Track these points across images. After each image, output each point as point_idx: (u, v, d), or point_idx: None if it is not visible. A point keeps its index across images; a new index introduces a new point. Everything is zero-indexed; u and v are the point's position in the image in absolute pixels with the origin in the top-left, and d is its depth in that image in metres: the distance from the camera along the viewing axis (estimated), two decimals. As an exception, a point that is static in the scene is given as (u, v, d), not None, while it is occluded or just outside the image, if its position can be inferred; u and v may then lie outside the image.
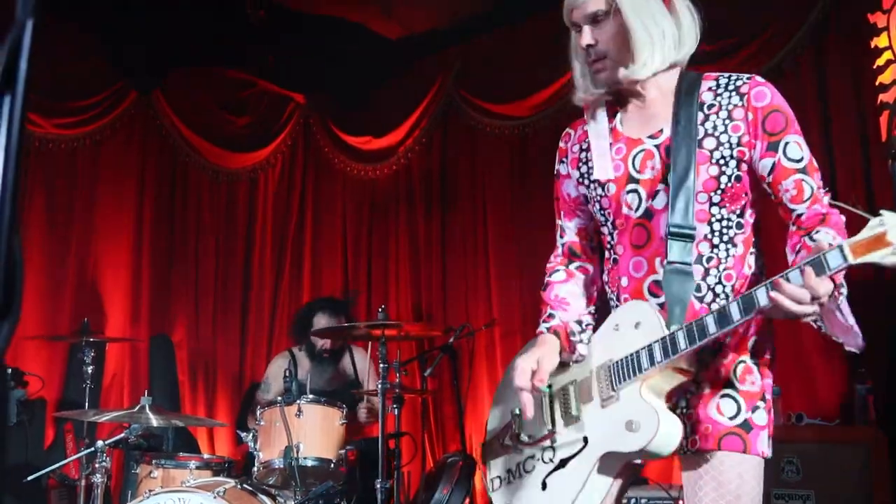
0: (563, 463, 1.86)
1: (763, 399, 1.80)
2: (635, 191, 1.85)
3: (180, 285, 5.90)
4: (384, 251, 5.93)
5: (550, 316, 2.00)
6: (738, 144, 1.78)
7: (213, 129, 6.13)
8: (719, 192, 1.78)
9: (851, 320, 1.62)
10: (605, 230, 1.95)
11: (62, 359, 5.14)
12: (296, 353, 4.67)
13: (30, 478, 3.60)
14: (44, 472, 3.73)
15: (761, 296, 1.57)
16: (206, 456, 4.58)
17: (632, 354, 1.76)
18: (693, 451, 1.79)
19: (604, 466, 1.80)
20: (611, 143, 1.91)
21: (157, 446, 4.32)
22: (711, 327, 1.63)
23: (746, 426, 1.76)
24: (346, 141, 6.23)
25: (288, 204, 6.25)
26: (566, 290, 2.03)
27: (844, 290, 1.59)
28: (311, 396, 3.69)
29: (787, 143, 1.75)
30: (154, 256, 5.87)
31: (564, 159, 2.03)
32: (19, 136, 0.86)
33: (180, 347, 5.74)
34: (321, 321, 4.54)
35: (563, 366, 1.94)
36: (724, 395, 1.78)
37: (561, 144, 2.06)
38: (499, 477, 2.03)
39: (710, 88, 1.83)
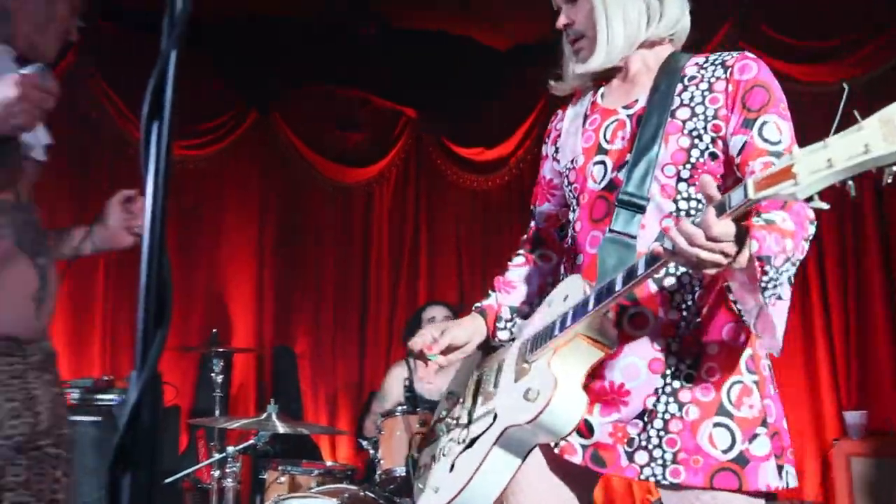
0: (472, 442, 1.71)
1: (764, 424, 1.58)
2: (602, 162, 1.71)
3: (301, 298, 6.11)
4: (499, 261, 5.92)
5: (488, 296, 1.96)
6: (714, 117, 1.60)
7: (329, 146, 6.33)
8: (688, 166, 1.61)
9: (777, 320, 1.43)
10: (571, 214, 1.80)
11: (194, 368, 5.40)
12: (411, 363, 4.73)
13: (167, 481, 3.81)
14: (179, 475, 3.94)
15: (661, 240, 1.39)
16: (329, 463, 4.72)
17: (548, 325, 1.63)
18: (673, 484, 1.57)
19: (507, 445, 1.62)
20: (586, 116, 1.80)
21: (283, 453, 4.48)
22: (618, 284, 1.46)
23: (742, 460, 1.55)
24: (458, 153, 6.31)
25: (403, 216, 6.38)
26: (516, 274, 1.98)
27: (771, 272, 1.36)
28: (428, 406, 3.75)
29: (764, 122, 1.55)
30: (276, 270, 6.10)
31: (547, 139, 1.95)
32: (167, 162, 0.93)
33: (302, 357, 5.93)
34: (433, 311, 4.50)
35: (496, 349, 1.89)
36: (717, 424, 1.56)
37: (549, 126, 1.97)
38: (424, 464, 1.92)
39: (696, 63, 1.69)
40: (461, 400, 1.91)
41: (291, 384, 5.62)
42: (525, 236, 2.05)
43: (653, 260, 1.40)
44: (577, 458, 1.66)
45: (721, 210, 1.28)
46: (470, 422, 1.78)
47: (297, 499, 3.42)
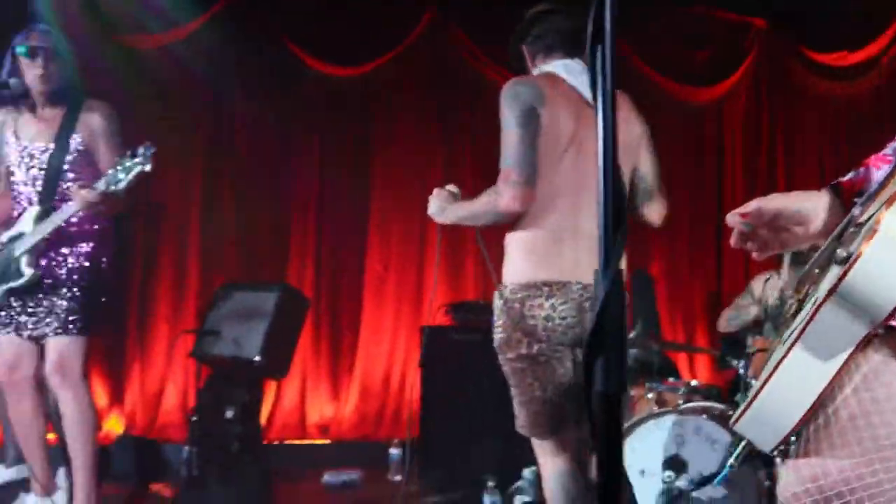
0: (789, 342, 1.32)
1: None
2: None
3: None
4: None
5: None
6: None
7: (676, 65, 6.20)
8: None
9: None
10: None
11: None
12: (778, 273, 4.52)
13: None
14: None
15: None
16: (693, 382, 4.77)
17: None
18: None
19: (815, 338, 1.23)
20: None
21: (644, 373, 4.61)
22: None
23: None
24: (816, 60, 5.86)
25: (757, 133, 6.11)
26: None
27: None
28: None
29: None
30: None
31: None
32: (612, 83, 1.04)
33: (657, 281, 5.99)
34: None
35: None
36: None
37: None
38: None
39: None
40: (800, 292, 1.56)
41: (649, 306, 5.71)
42: None
43: None
44: None
45: None
46: (795, 316, 1.43)
47: (668, 413, 3.54)
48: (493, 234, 2.63)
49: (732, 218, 1.52)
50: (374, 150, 5.94)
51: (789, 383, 1.25)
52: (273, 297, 4.48)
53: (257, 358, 4.30)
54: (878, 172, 1.51)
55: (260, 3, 5.53)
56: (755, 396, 1.28)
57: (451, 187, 2.72)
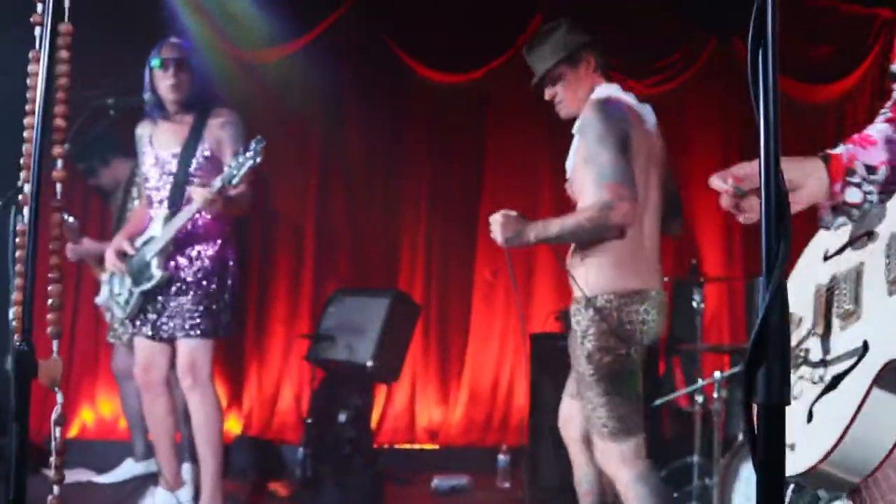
0: (834, 382, 1.30)
1: None
2: None
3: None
4: None
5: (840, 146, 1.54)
6: None
7: (795, 61, 5.97)
8: None
9: None
10: None
11: (669, 297, 5.59)
12: None
13: (657, 403, 4.04)
14: (669, 397, 4.16)
15: None
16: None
17: None
18: None
19: (891, 382, 1.20)
20: None
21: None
22: None
23: None
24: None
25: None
26: (877, 130, 1.55)
27: None
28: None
29: None
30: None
31: None
32: (774, 88, 1.00)
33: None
34: None
35: (841, 250, 1.46)
36: None
37: None
38: None
39: None
40: (803, 321, 1.52)
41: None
42: None
43: None
44: None
45: None
46: (826, 353, 1.38)
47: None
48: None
49: (720, 182, 1.49)
50: (484, 155, 5.95)
51: (868, 430, 1.23)
52: (385, 303, 4.56)
53: (370, 363, 4.37)
54: (864, 153, 1.52)
55: (368, 14, 5.64)
56: (834, 446, 1.25)
57: (509, 212, 2.80)
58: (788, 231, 0.96)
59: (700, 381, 4.06)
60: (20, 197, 1.60)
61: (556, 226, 2.72)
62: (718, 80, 6.06)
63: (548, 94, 2.98)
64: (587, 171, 2.70)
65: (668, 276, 5.38)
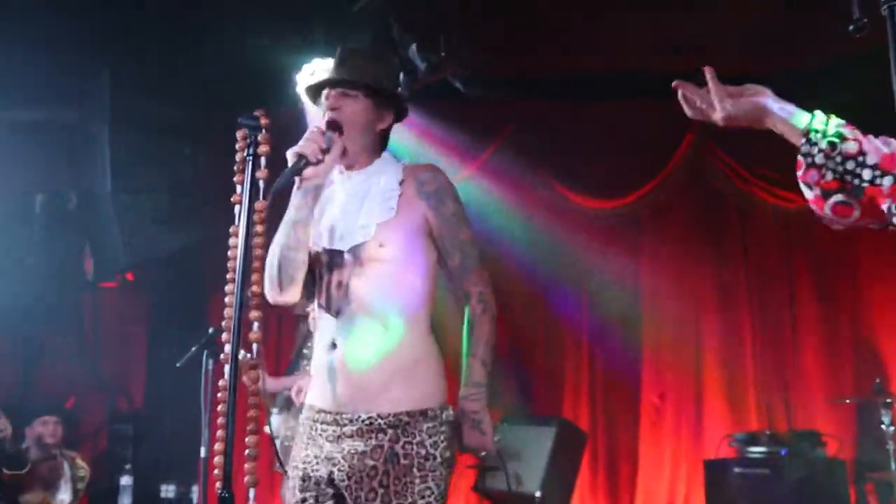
0: None
1: None
2: None
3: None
4: None
5: None
6: None
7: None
8: None
9: None
10: None
11: (853, 420, 5.23)
12: None
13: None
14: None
15: None
16: None
17: None
18: None
19: None
20: None
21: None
22: None
23: None
24: None
25: None
26: None
27: None
28: None
29: None
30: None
31: None
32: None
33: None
34: None
35: None
36: None
37: None
38: None
39: None
40: None
41: None
42: None
43: None
44: None
45: None
46: None
47: None
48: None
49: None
50: (642, 278, 5.92)
51: None
52: (551, 431, 4.54)
53: (538, 493, 4.33)
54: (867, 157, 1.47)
55: (526, 144, 5.84)
56: None
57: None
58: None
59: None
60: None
61: None
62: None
63: None
64: None
65: (848, 397, 5.09)
